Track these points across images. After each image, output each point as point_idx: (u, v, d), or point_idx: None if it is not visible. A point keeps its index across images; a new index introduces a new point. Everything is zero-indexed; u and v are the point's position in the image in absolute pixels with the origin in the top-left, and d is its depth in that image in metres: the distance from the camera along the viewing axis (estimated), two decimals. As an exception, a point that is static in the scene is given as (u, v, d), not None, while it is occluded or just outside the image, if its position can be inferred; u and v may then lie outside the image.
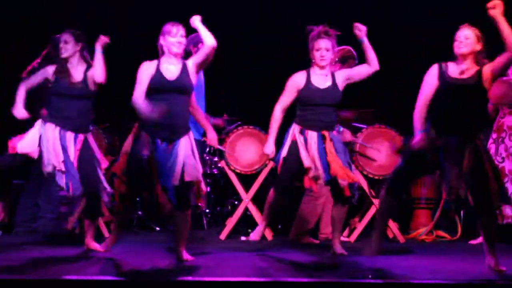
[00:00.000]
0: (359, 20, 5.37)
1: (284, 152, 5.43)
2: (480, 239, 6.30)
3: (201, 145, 6.68)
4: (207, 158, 7.31)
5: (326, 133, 5.39)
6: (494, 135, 6.48)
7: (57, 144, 5.24)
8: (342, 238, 6.34)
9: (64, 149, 5.24)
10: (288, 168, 5.40)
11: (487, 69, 4.72)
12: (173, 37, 5.01)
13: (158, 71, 4.98)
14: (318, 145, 5.35)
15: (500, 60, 4.66)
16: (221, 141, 6.56)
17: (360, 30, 5.41)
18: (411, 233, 6.78)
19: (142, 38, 5.09)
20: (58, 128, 5.29)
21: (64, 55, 5.41)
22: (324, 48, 5.42)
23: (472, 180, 4.63)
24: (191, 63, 5.07)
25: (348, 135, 6.22)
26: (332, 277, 4.43)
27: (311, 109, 5.40)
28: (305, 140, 5.36)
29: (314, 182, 5.37)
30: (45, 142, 5.24)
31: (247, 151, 6.52)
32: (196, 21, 5.06)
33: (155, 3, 7.86)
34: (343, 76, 5.48)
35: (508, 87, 6.35)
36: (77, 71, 5.39)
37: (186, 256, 5.07)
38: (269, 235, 6.44)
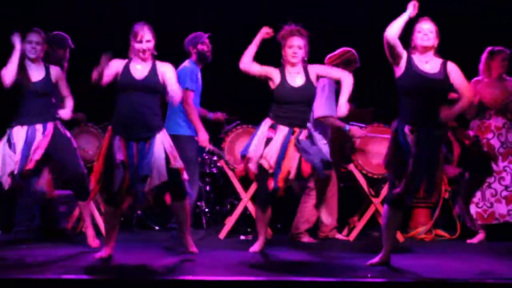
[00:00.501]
0: (359, 20, 5.37)
1: (252, 147, 5.34)
2: (478, 237, 6.31)
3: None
4: (207, 157, 7.31)
5: (297, 129, 5.34)
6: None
7: (17, 151, 5.30)
8: (342, 237, 6.36)
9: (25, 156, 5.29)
10: (261, 173, 5.33)
11: (451, 74, 4.76)
12: (138, 43, 4.99)
13: (126, 69, 4.98)
14: (285, 140, 5.30)
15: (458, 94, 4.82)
16: (221, 140, 6.56)
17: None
18: (410, 232, 6.78)
19: (142, 38, 5.09)
20: (25, 127, 5.38)
21: (34, 56, 5.48)
22: (296, 45, 5.43)
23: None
24: (165, 69, 5.02)
25: (357, 132, 6.17)
26: (332, 276, 4.44)
27: (285, 107, 5.37)
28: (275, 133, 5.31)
29: (283, 182, 5.25)
30: (6, 150, 5.32)
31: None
32: None
33: (155, 3, 7.86)
34: (316, 72, 5.45)
35: (502, 89, 6.32)
36: (37, 70, 5.47)
37: (192, 247, 5.08)
38: (268, 234, 6.43)
